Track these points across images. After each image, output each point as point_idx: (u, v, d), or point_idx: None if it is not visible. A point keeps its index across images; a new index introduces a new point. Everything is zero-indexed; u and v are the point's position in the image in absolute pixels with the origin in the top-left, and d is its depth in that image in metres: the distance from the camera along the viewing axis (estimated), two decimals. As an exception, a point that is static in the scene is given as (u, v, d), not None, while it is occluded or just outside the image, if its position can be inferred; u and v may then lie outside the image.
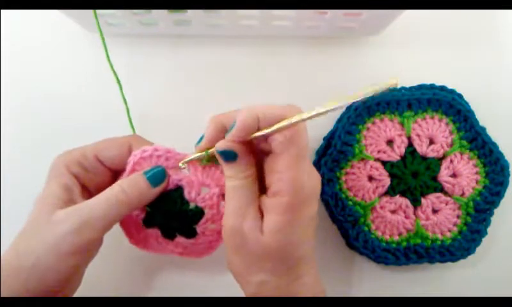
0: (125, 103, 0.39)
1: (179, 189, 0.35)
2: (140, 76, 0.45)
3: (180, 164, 0.34)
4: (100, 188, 0.34)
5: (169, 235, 0.36)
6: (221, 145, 0.31)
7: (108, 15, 0.40)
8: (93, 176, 0.34)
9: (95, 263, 0.36)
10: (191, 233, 0.36)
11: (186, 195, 0.34)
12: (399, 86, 0.25)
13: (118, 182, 0.33)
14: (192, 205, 0.35)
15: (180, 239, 0.36)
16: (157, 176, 0.33)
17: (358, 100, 0.26)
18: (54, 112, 0.45)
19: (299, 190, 0.30)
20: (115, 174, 0.36)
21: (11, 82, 0.45)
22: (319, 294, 0.33)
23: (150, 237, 0.36)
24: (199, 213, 0.35)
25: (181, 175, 0.34)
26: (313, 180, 0.32)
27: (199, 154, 0.33)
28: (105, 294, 0.42)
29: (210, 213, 0.35)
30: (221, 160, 0.32)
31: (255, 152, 0.32)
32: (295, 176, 0.30)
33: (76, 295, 0.38)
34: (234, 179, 0.31)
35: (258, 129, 0.30)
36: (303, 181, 0.30)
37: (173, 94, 0.45)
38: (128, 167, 0.34)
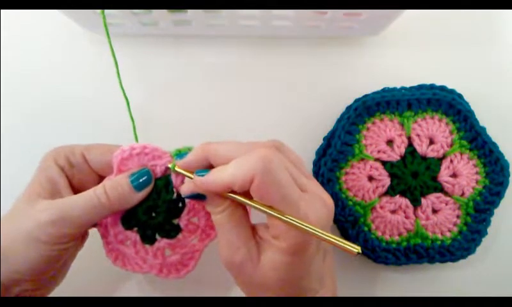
0: (132, 120, 0.38)
1: (165, 177, 0.34)
2: (140, 76, 0.45)
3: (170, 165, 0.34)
4: (83, 187, 0.34)
5: (149, 238, 0.35)
6: (185, 190, 0.31)
7: (108, 15, 0.40)
8: (77, 173, 0.34)
9: (95, 263, 0.36)
10: (173, 230, 0.35)
11: (173, 178, 0.34)
12: (357, 252, 0.27)
13: (103, 183, 0.33)
14: (174, 195, 0.35)
15: (160, 243, 0.35)
16: (143, 182, 0.33)
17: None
18: (53, 111, 0.45)
19: (300, 234, 0.28)
20: (100, 176, 0.36)
21: (11, 82, 0.45)
22: None
23: (128, 245, 0.35)
24: (180, 204, 0.35)
25: (165, 160, 0.34)
26: (316, 213, 0.28)
27: (180, 170, 0.33)
28: (103, 294, 0.42)
29: (191, 203, 0.35)
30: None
31: None
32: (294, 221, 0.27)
33: (76, 294, 0.38)
34: (215, 214, 0.31)
35: (212, 165, 0.30)
36: (311, 219, 0.28)
37: (172, 95, 0.45)
38: (114, 169, 0.34)
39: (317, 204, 0.29)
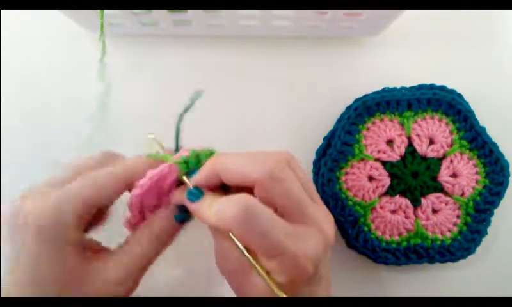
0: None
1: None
2: (140, 76, 0.45)
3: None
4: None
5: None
6: (177, 200, 0.30)
7: (108, 15, 0.40)
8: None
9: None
10: None
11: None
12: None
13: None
14: None
15: None
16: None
17: None
18: (53, 111, 0.45)
19: (293, 272, 0.26)
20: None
21: (11, 82, 0.45)
22: None
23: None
24: None
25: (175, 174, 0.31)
26: (307, 250, 0.27)
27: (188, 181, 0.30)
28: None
29: None
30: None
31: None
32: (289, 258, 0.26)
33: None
34: (203, 223, 0.29)
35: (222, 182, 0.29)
36: (299, 259, 0.26)
37: (172, 95, 0.45)
38: (134, 211, 0.31)
39: (311, 240, 0.27)
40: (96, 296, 0.28)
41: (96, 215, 0.31)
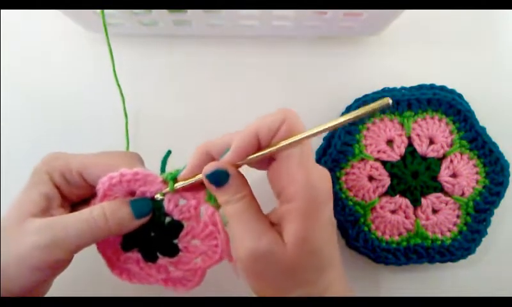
0: (126, 116, 0.38)
1: (157, 202, 0.33)
2: (140, 76, 0.45)
3: (159, 195, 0.33)
4: (81, 200, 0.33)
5: (150, 256, 0.34)
6: (210, 168, 0.30)
7: (108, 15, 0.40)
8: (75, 189, 0.33)
9: (95, 264, 0.36)
10: (172, 250, 0.34)
11: (166, 203, 0.33)
12: (391, 102, 0.25)
13: (101, 205, 0.31)
14: (168, 219, 0.34)
15: (162, 260, 0.34)
16: (143, 209, 0.32)
17: (354, 117, 0.27)
18: (53, 111, 0.45)
19: (315, 191, 0.28)
20: None
21: (11, 82, 0.45)
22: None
23: (131, 263, 0.34)
24: (177, 225, 0.34)
25: (157, 187, 0.33)
26: (324, 177, 0.30)
27: (183, 183, 0.32)
28: (104, 294, 0.42)
29: (189, 226, 0.34)
30: (211, 187, 0.30)
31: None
32: (308, 177, 0.28)
33: (77, 294, 0.38)
34: (232, 202, 0.30)
35: (259, 147, 0.29)
36: (316, 180, 0.29)
37: (172, 95, 0.45)
38: (99, 195, 0.32)
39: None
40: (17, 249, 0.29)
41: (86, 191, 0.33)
